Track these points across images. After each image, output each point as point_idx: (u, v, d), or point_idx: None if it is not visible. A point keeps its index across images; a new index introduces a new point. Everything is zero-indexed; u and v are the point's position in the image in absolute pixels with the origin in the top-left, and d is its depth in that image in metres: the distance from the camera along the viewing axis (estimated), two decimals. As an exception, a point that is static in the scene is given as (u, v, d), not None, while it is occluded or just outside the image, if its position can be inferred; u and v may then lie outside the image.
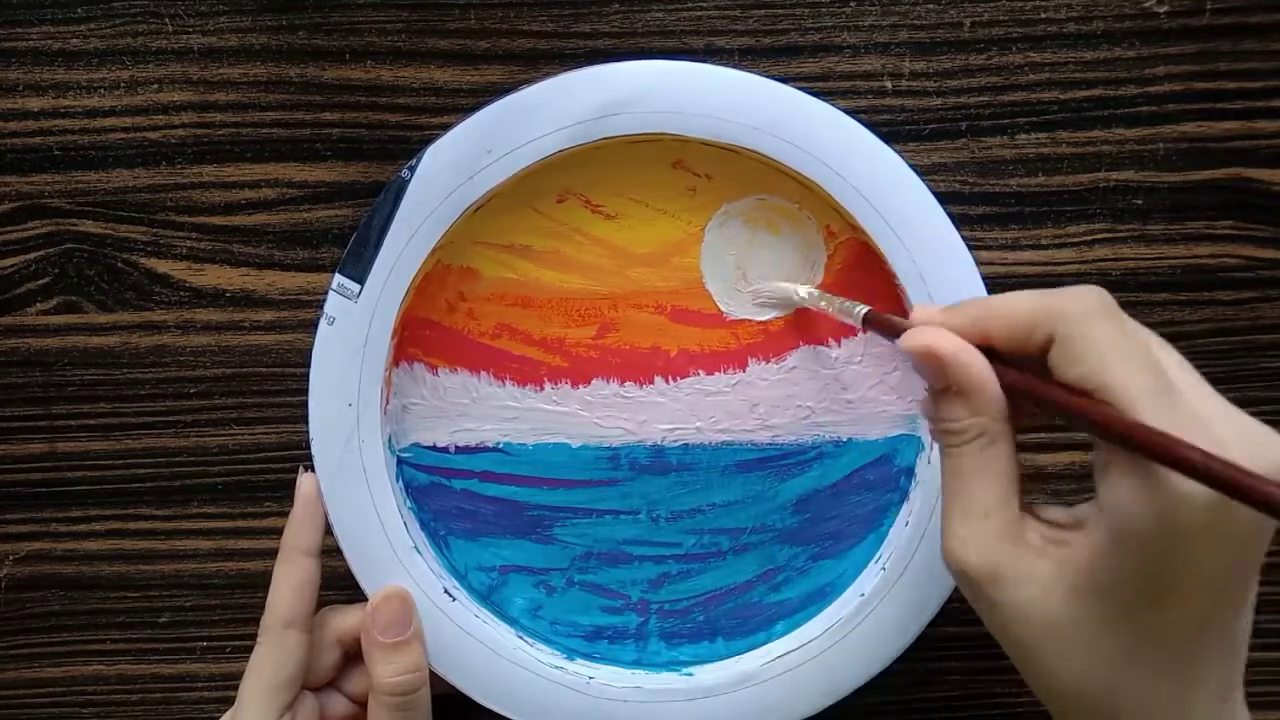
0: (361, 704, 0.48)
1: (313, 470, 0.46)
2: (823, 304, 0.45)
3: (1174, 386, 0.33)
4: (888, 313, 0.44)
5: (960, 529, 0.35)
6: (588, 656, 0.49)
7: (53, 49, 0.48)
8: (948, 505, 0.36)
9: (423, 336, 0.48)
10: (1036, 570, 0.34)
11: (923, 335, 0.37)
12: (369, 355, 0.46)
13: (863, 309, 0.43)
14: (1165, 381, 0.33)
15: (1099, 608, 0.34)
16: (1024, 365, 0.35)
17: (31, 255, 0.49)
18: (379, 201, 0.45)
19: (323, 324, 0.46)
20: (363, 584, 0.47)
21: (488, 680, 0.47)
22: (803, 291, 0.47)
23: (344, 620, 0.47)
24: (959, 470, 0.36)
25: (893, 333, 0.39)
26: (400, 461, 0.49)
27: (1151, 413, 0.31)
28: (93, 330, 0.50)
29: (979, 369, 0.36)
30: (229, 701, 0.45)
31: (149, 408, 0.50)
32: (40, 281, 0.49)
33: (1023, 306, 0.35)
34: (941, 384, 0.36)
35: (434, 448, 0.49)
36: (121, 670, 0.52)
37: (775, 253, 0.48)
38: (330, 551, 0.46)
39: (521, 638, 0.48)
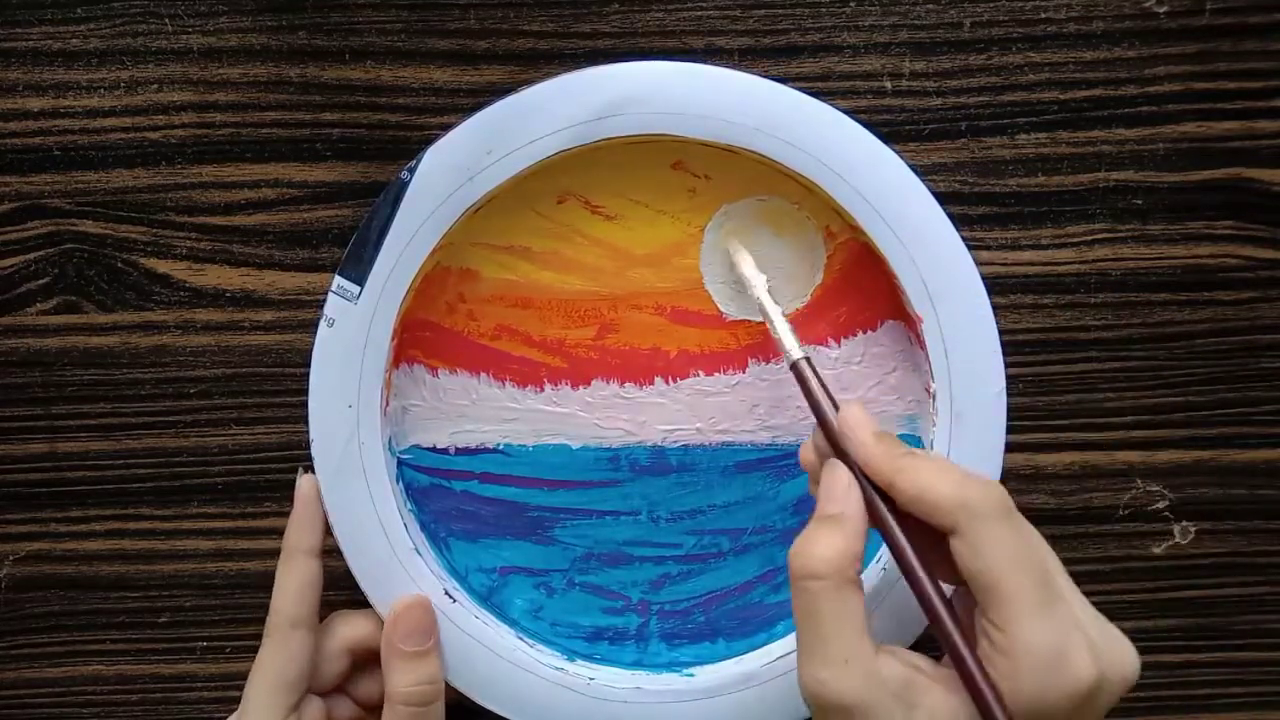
0: (368, 709, 0.47)
1: (311, 471, 0.46)
2: (770, 316, 0.44)
3: (1060, 595, 0.37)
4: (883, 320, 0.45)
5: (821, 671, 0.36)
6: (588, 658, 0.49)
7: (53, 49, 0.48)
8: (801, 642, 0.37)
9: (422, 338, 0.48)
10: (916, 711, 0.36)
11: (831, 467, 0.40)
12: (369, 357, 0.46)
13: (797, 355, 0.43)
14: (1053, 591, 0.37)
15: None
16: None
17: (31, 255, 0.49)
18: (379, 203, 0.45)
19: (322, 326, 0.46)
20: (363, 586, 0.47)
21: (488, 682, 0.47)
22: (759, 292, 0.46)
23: (354, 626, 0.47)
24: (814, 612, 0.37)
25: (811, 404, 0.41)
26: (400, 463, 0.49)
27: (1038, 620, 0.35)
28: (93, 330, 0.50)
29: (858, 517, 0.39)
30: (229, 701, 0.45)
31: (149, 408, 0.50)
32: (40, 281, 0.49)
33: (941, 490, 0.37)
34: (828, 509, 0.39)
35: (434, 449, 0.49)
36: (121, 670, 0.52)
37: (775, 254, 0.48)
38: (331, 552, 0.46)
39: (522, 639, 0.48)
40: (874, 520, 0.39)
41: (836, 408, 0.41)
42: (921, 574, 0.38)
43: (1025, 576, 0.36)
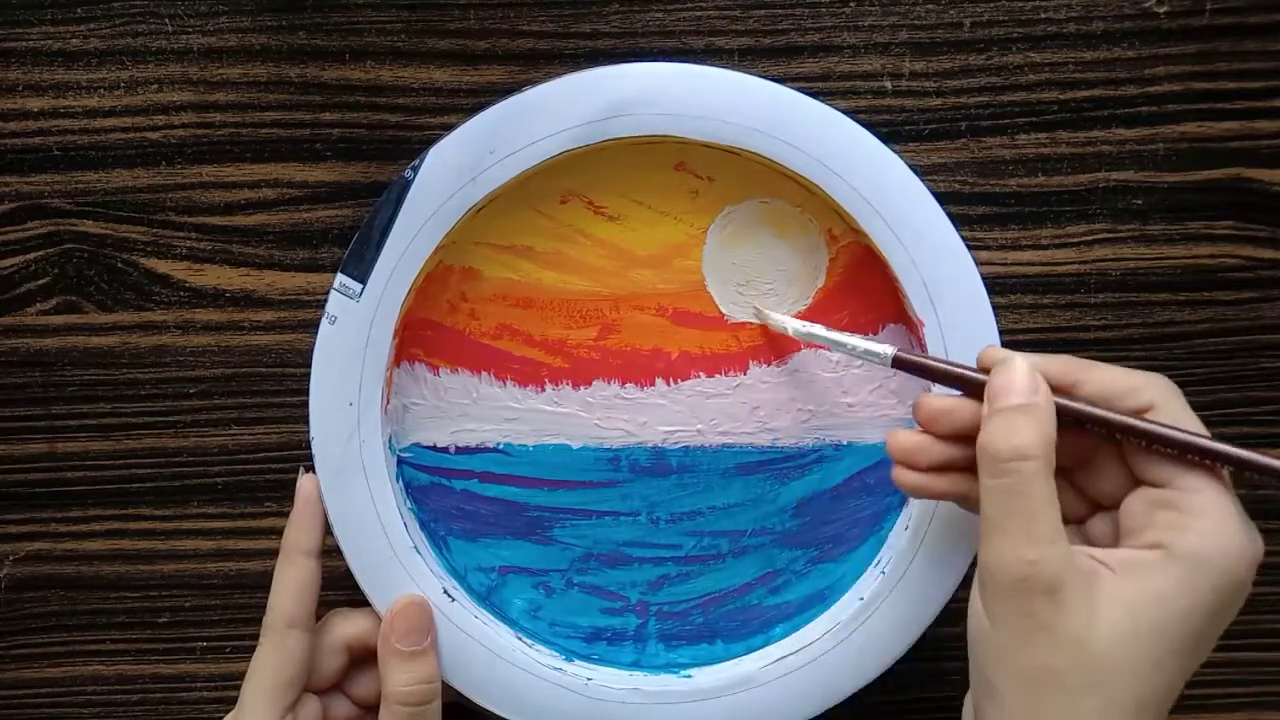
0: (365, 708, 0.47)
1: (313, 470, 0.46)
2: (844, 343, 0.44)
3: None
4: (884, 324, 0.45)
5: (1031, 551, 0.36)
6: (586, 658, 0.49)
7: (53, 49, 0.48)
8: (1003, 527, 0.37)
9: (424, 336, 0.48)
10: (1100, 598, 0.36)
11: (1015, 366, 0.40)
12: (370, 355, 0.46)
13: (890, 351, 0.43)
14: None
15: (1153, 645, 0.36)
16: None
17: (31, 255, 0.49)
18: (381, 201, 0.45)
19: (324, 323, 0.46)
20: (362, 584, 0.47)
21: (486, 681, 0.47)
22: (822, 333, 0.45)
23: (352, 624, 0.47)
24: (1025, 493, 0.37)
25: (932, 374, 0.42)
26: (400, 461, 0.49)
27: (1229, 493, 0.38)
28: (93, 330, 0.50)
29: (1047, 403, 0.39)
30: (229, 701, 0.45)
31: (149, 408, 0.50)
32: (40, 281, 0.49)
33: (1126, 377, 0.40)
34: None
35: (434, 448, 0.49)
36: (121, 670, 0.52)
37: (777, 256, 0.48)
38: (330, 552, 0.46)
39: (520, 639, 0.48)
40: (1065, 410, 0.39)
41: (973, 369, 0.41)
42: (1150, 425, 0.38)
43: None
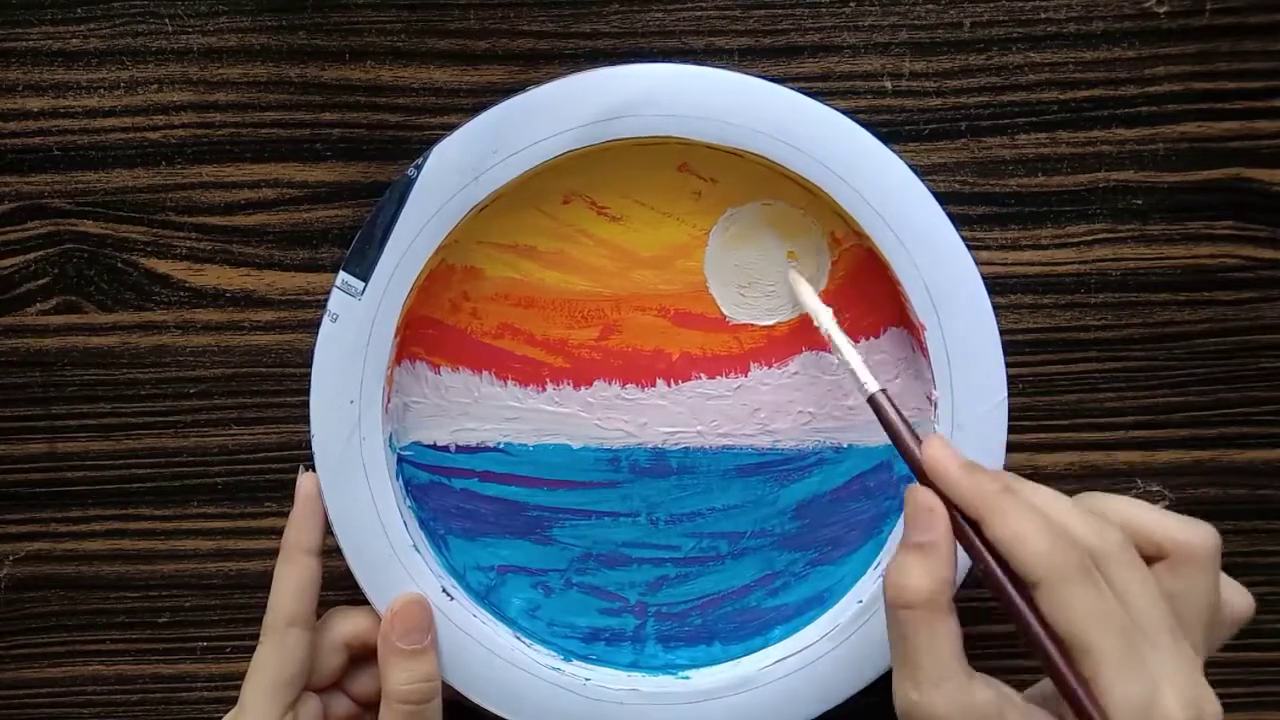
0: (365, 706, 0.48)
1: (312, 469, 0.46)
2: (840, 348, 0.44)
3: (1155, 644, 0.36)
4: (886, 327, 0.44)
5: (913, 692, 0.37)
6: (584, 658, 0.49)
7: (53, 49, 0.48)
8: (897, 659, 0.38)
9: (425, 335, 0.48)
10: None
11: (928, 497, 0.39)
12: (371, 353, 0.46)
13: (874, 388, 0.42)
14: (1143, 643, 0.36)
15: None
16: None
17: (31, 255, 0.49)
18: (384, 200, 0.45)
19: (326, 321, 0.46)
20: (361, 583, 0.47)
21: (485, 680, 0.47)
22: (826, 323, 0.45)
23: (352, 622, 0.47)
24: (908, 638, 0.37)
25: (892, 437, 0.41)
26: (400, 459, 0.49)
27: (1123, 673, 0.35)
28: (93, 330, 0.50)
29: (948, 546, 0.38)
30: (229, 701, 0.45)
31: (149, 408, 0.50)
32: (40, 281, 0.49)
33: (1022, 543, 0.37)
34: (920, 536, 0.38)
35: (435, 446, 0.49)
36: (121, 670, 0.52)
37: (780, 258, 0.48)
38: (330, 551, 0.46)
39: (519, 638, 0.48)
40: (967, 549, 0.39)
41: (918, 440, 0.40)
42: (1023, 608, 0.37)
43: (1111, 639, 0.35)
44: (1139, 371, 0.49)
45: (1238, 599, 0.41)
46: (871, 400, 0.42)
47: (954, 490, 0.39)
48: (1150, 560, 0.38)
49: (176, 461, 0.50)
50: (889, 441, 0.42)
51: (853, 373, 0.43)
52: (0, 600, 0.51)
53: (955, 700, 0.36)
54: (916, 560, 0.38)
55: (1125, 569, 0.37)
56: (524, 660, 0.48)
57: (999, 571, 0.38)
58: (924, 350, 0.46)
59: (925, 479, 0.40)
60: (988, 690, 0.37)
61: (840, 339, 0.45)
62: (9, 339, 0.50)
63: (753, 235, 0.48)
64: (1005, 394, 0.46)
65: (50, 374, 0.50)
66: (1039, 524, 0.37)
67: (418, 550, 0.47)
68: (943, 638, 0.37)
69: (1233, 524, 0.50)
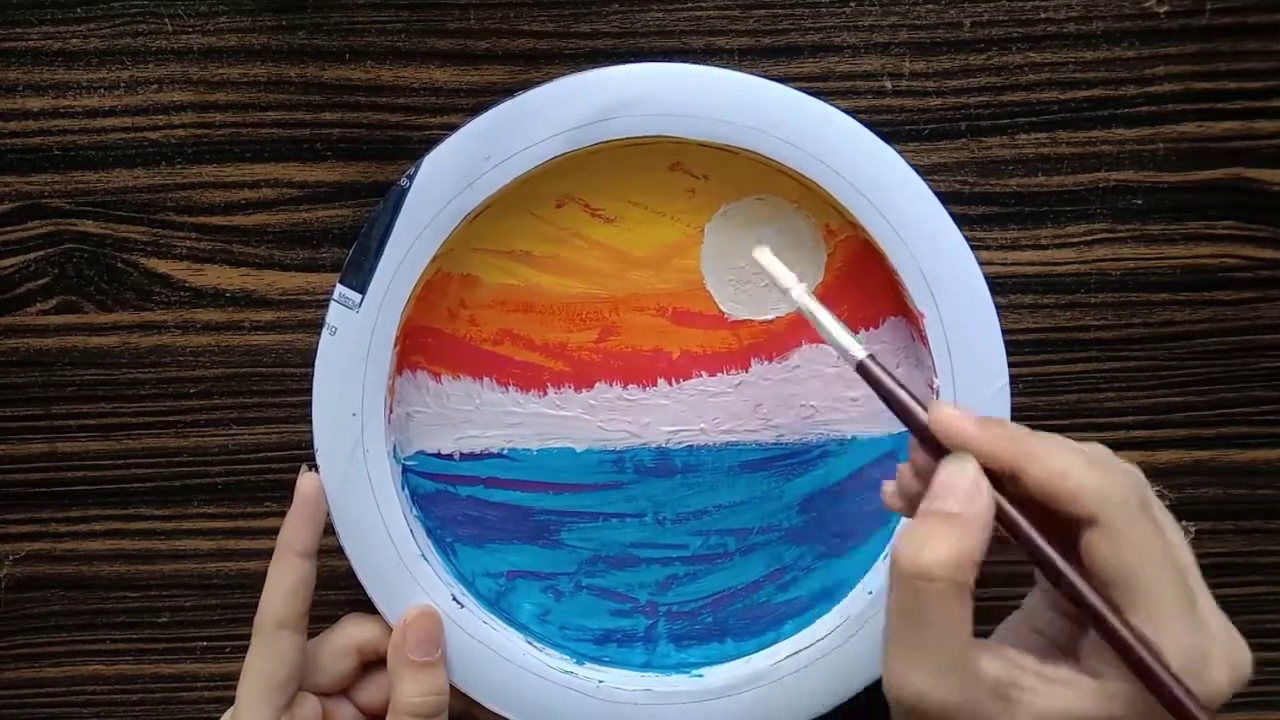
0: (370, 715, 0.47)
1: (315, 469, 0.46)
2: (817, 317, 0.40)
3: (1198, 596, 0.34)
4: (885, 317, 0.44)
5: (922, 679, 0.34)
6: (597, 660, 0.49)
7: (53, 49, 0.48)
8: (900, 640, 0.34)
9: (425, 344, 0.48)
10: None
11: (956, 428, 0.36)
12: (371, 364, 0.46)
13: (860, 355, 0.39)
14: (1193, 592, 0.34)
15: None
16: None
17: (31, 255, 0.49)
18: (378, 211, 0.45)
19: (325, 334, 0.46)
20: (371, 594, 0.47)
21: (498, 687, 0.47)
22: (797, 294, 0.42)
23: (364, 629, 0.47)
24: (922, 618, 0.34)
25: (890, 399, 0.38)
26: (405, 470, 0.49)
27: (1181, 624, 0.33)
28: (93, 330, 0.50)
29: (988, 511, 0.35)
30: (229, 701, 0.45)
31: (149, 408, 0.50)
32: (40, 281, 0.49)
33: (1073, 477, 0.34)
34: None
35: (438, 455, 0.49)
36: (121, 670, 0.52)
37: (775, 252, 0.48)
38: (330, 551, 0.46)
39: (531, 643, 0.48)
40: (1001, 521, 0.35)
41: (919, 402, 0.37)
42: (1073, 575, 0.34)
43: (1169, 575, 0.33)
44: (1139, 371, 0.49)
45: (1236, 652, 0.36)
46: (860, 368, 0.39)
47: (976, 447, 0.35)
48: (1080, 528, 0.35)
49: (176, 461, 0.50)
50: (893, 432, 0.41)
51: (836, 342, 0.40)
52: (0, 600, 0.51)
53: (969, 687, 0.33)
54: (945, 529, 0.34)
55: (1158, 508, 0.35)
56: (537, 665, 0.48)
57: (1028, 529, 0.35)
58: (923, 338, 0.46)
59: (927, 440, 0.36)
60: (995, 662, 0.34)
61: (817, 309, 0.41)
62: (9, 339, 0.50)
63: (747, 231, 0.48)
64: (1007, 378, 0.46)
65: (50, 374, 0.50)
66: (1083, 459, 0.34)
67: (426, 559, 0.47)
68: (961, 620, 0.33)
69: (1233, 524, 0.50)
